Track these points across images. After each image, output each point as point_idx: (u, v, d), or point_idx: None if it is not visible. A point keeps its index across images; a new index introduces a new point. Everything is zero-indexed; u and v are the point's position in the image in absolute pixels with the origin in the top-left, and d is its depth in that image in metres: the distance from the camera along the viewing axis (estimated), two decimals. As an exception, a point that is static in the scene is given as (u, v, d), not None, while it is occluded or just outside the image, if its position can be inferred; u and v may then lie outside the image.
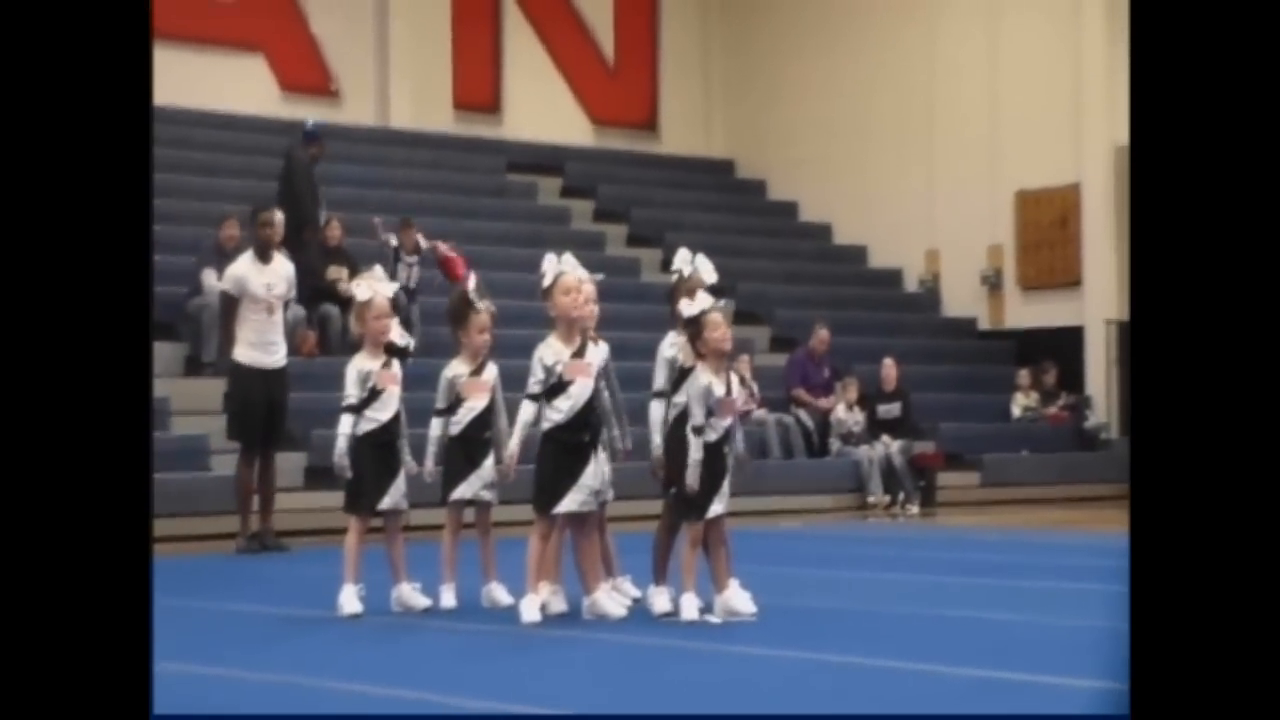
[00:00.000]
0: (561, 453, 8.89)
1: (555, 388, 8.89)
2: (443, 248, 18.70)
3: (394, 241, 18.35)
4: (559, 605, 9.10)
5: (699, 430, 8.67)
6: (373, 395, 9.31)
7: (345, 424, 9.30)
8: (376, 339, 9.35)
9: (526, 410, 8.89)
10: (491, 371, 9.55)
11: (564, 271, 9.00)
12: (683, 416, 8.90)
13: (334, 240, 17.92)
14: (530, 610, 8.77)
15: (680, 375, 9.01)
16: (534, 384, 8.89)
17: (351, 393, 9.29)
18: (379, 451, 9.32)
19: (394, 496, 9.35)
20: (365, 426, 9.32)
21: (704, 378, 8.74)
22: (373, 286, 9.47)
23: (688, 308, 8.81)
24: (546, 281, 8.98)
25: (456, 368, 9.52)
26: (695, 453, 8.63)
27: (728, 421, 8.87)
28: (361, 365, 9.33)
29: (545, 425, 8.93)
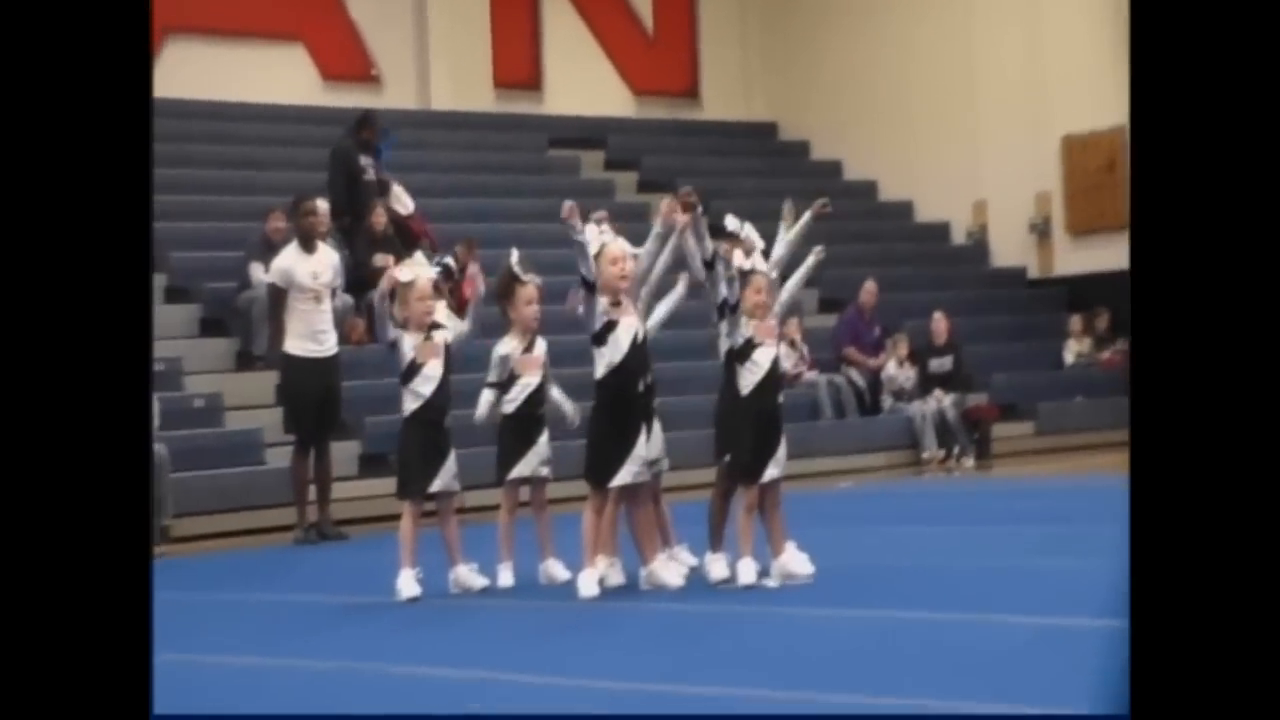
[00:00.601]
0: (614, 416, 8.83)
1: (601, 333, 8.86)
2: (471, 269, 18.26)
3: (452, 261, 18.09)
4: (617, 578, 9.07)
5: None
6: (413, 369, 9.29)
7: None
8: (420, 320, 9.33)
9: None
10: (541, 347, 9.55)
11: (607, 242, 8.96)
12: (732, 381, 8.88)
13: (380, 228, 17.87)
14: (588, 584, 8.75)
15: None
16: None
17: (407, 351, 9.28)
18: (427, 432, 9.29)
19: (444, 479, 9.32)
20: (411, 405, 9.30)
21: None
22: (414, 270, 9.47)
23: (740, 261, 8.82)
24: (591, 250, 8.93)
25: (508, 344, 9.51)
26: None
27: (772, 350, 8.87)
28: (405, 343, 9.31)
29: (598, 374, 8.88)
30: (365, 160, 18.10)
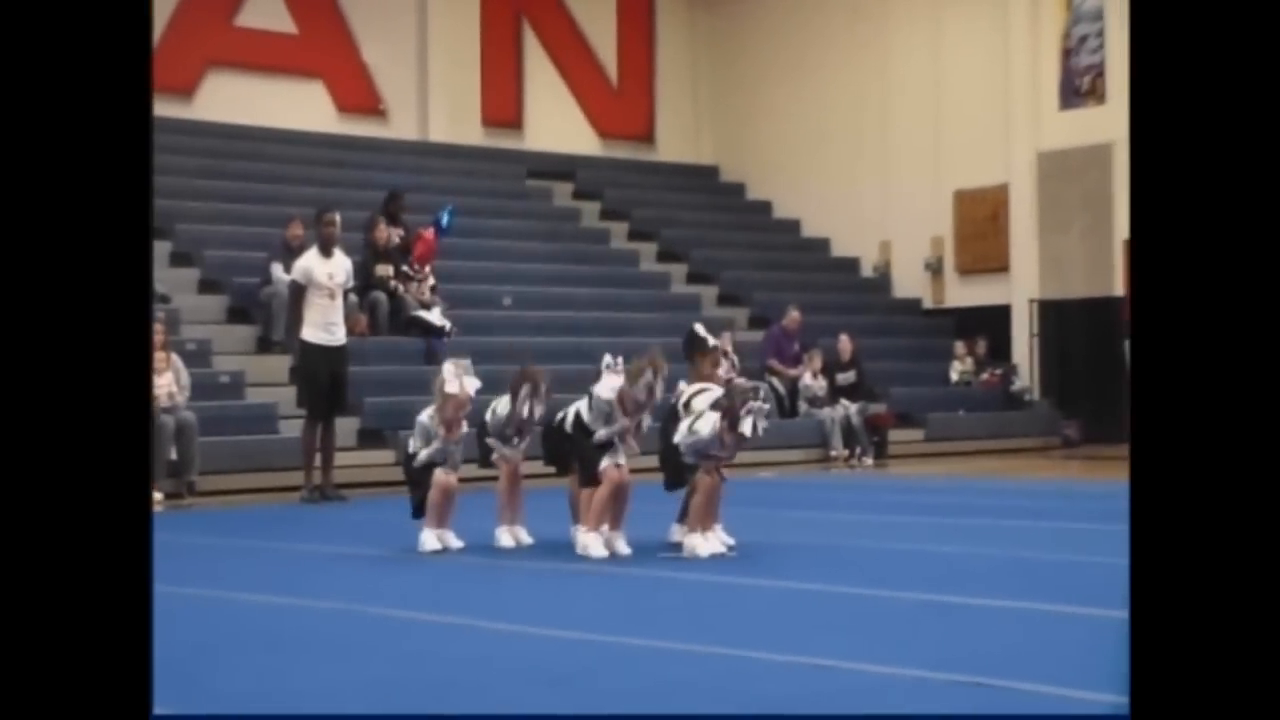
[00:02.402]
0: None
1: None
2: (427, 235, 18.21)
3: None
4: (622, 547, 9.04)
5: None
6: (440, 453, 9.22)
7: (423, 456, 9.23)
8: (450, 425, 9.15)
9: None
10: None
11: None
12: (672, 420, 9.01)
13: (382, 242, 17.82)
14: (595, 546, 8.81)
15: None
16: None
17: (426, 426, 9.17)
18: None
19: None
20: (428, 457, 9.25)
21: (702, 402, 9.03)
22: (463, 380, 9.14)
23: (703, 333, 9.23)
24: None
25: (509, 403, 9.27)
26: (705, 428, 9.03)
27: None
28: (426, 421, 9.21)
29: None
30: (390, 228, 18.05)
